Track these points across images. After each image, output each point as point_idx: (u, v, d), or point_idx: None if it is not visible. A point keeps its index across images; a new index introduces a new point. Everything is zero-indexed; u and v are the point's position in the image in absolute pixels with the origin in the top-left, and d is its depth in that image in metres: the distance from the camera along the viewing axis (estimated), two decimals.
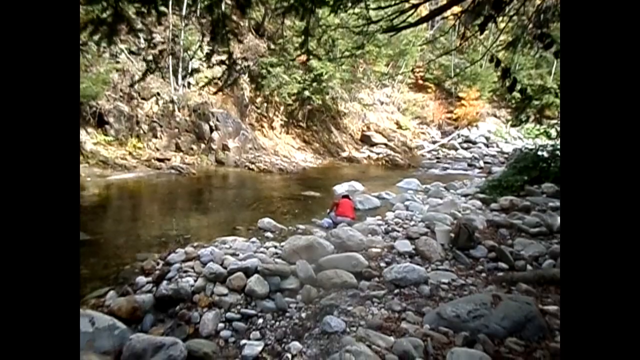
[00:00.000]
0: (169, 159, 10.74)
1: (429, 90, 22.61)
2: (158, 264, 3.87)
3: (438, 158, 16.64)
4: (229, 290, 3.21)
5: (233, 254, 3.84)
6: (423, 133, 20.46)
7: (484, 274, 3.68)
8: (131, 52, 11.58)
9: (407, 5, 3.14)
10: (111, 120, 10.64)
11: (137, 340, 2.45)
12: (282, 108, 14.85)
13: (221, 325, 2.87)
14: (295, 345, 2.48)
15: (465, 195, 7.61)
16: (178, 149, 11.45)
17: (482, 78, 20.96)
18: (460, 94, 21.35)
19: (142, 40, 10.69)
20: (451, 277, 3.49)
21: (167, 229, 5.60)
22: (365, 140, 17.16)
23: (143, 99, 11.39)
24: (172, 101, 11.66)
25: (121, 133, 10.78)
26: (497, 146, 18.68)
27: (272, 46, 14.21)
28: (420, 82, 22.48)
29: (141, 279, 3.52)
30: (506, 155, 15.58)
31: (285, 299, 3.16)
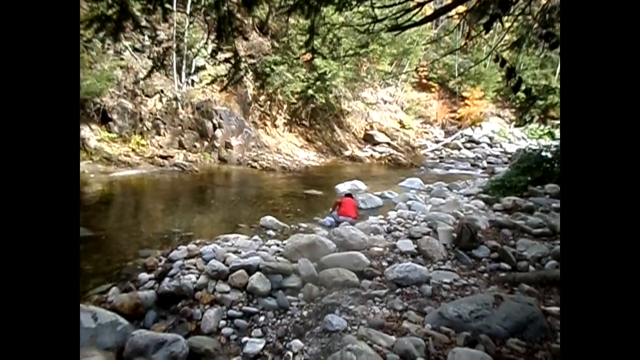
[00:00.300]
0: (172, 156, 10.78)
1: (433, 89, 22.55)
2: (160, 260, 3.88)
3: (441, 158, 16.60)
4: (231, 287, 3.22)
5: (235, 252, 3.85)
6: (426, 132, 20.42)
7: (486, 274, 3.67)
8: (135, 50, 11.61)
9: (412, 4, 3.13)
10: (115, 117, 10.68)
11: (140, 337, 2.47)
12: (285, 106, 14.85)
13: (223, 322, 2.88)
14: (297, 343, 2.48)
15: (468, 195, 7.58)
16: (181, 146, 11.48)
17: (486, 78, 20.88)
18: (464, 94, 21.28)
19: (146, 38, 10.74)
20: (453, 277, 3.48)
21: (170, 226, 5.62)
22: (368, 139, 17.15)
23: (147, 96, 11.43)
24: (175, 99, 11.69)
25: (125, 130, 10.82)
26: (501, 146, 18.62)
27: (276, 44, 14.20)
28: (424, 81, 22.43)
29: (144, 276, 3.54)
30: (509, 156, 15.54)
31: (287, 297, 3.17)
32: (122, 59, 11.18)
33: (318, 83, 13.90)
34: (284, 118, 15.09)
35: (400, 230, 4.91)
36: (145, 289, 3.28)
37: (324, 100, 14.71)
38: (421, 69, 21.12)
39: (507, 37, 8.81)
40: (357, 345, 2.20)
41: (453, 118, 21.46)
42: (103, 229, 5.31)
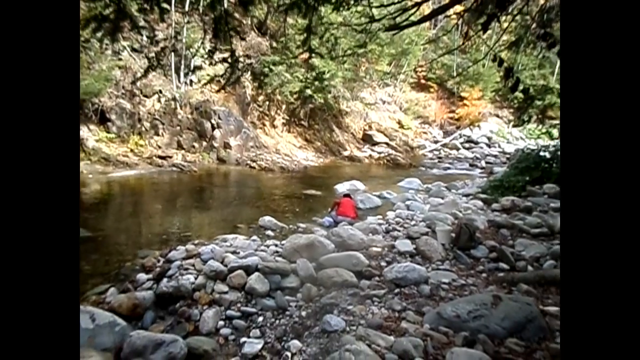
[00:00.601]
0: (170, 157, 10.76)
1: (431, 89, 22.57)
2: (159, 261, 3.87)
3: (440, 158, 16.62)
4: (229, 288, 3.22)
5: (234, 252, 3.85)
6: (425, 132, 20.44)
7: (484, 274, 3.67)
8: (134, 50, 11.59)
9: (409, 3, 3.13)
10: (113, 117, 10.66)
11: (138, 337, 2.46)
12: (284, 106, 14.85)
13: (221, 323, 2.87)
14: (295, 343, 2.48)
15: (467, 195, 7.59)
16: (180, 146, 11.46)
17: (485, 78, 20.91)
18: (463, 94, 21.30)
19: (144, 38, 10.71)
20: (452, 277, 3.48)
21: (168, 226, 5.61)
22: (367, 139, 17.15)
23: (145, 96, 11.40)
24: (174, 99, 11.67)
25: (123, 130, 10.79)
26: (499, 146, 18.66)
27: (275, 44, 14.20)
28: (423, 81, 22.44)
29: (142, 276, 3.53)
30: (508, 156, 15.56)
31: (286, 297, 3.17)
32: (120, 59, 11.15)
33: (316, 83, 13.89)
34: (283, 118, 15.08)
35: (399, 230, 4.91)
36: (144, 290, 3.27)
37: (322, 101, 14.71)
38: (420, 69, 21.14)
39: (505, 37, 8.84)
40: (356, 345, 2.20)
41: (451, 118, 21.49)
42: (101, 229, 5.29)
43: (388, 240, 4.54)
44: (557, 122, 9.73)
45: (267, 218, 5.64)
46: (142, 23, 2.89)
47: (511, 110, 22.10)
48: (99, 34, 2.71)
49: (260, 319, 2.92)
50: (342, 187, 8.86)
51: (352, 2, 3.24)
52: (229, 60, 3.22)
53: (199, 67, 9.07)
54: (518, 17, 4.96)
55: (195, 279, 3.33)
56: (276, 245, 4.23)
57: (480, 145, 18.60)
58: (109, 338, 2.59)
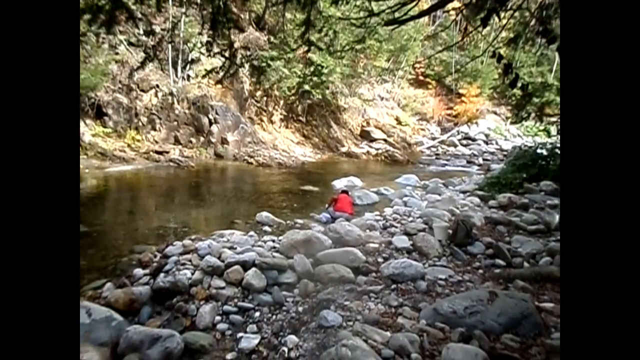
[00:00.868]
0: (167, 152, 10.71)
1: (430, 86, 22.54)
2: (155, 256, 3.86)
3: (437, 154, 16.64)
4: (226, 283, 3.21)
5: (231, 248, 3.84)
6: (423, 129, 20.43)
7: (481, 271, 3.69)
8: (130, 44, 11.49)
9: None
10: (110, 112, 10.59)
11: (134, 332, 2.46)
12: (281, 102, 14.79)
13: (218, 318, 2.87)
14: (292, 338, 2.48)
15: (464, 192, 7.61)
16: (177, 141, 11.41)
17: (483, 75, 20.90)
18: (461, 91, 21.29)
19: (141, 32, 10.61)
20: (448, 273, 3.49)
21: (165, 221, 5.59)
22: (365, 135, 17.14)
23: (142, 90, 11.33)
24: (171, 93, 11.60)
25: (120, 125, 10.73)
26: (497, 143, 18.69)
27: (273, 39, 14.11)
28: (421, 78, 22.40)
29: (138, 271, 3.52)
30: (505, 153, 15.61)
31: (283, 292, 3.17)
32: (117, 54, 11.06)
33: (314, 79, 13.84)
34: (281, 114, 15.03)
35: (396, 227, 4.92)
36: (140, 285, 3.27)
37: (320, 96, 14.67)
38: (418, 65, 21.06)
39: (503, 34, 8.82)
40: (352, 340, 2.21)
41: (449, 115, 21.49)
42: (98, 224, 5.27)
43: (385, 236, 4.54)
44: (555, 119, 9.75)
45: (265, 214, 5.64)
46: (138, 15, 2.85)
47: (509, 107, 22.01)
48: (95, 26, 2.67)
49: (257, 314, 2.92)
50: (339, 183, 8.86)
51: None
52: (227, 54, 3.19)
53: (197, 60, 8.99)
54: (517, 14, 4.94)
55: (192, 274, 3.32)
56: (273, 241, 4.23)
57: (477, 142, 18.64)
58: (105, 333, 2.59)
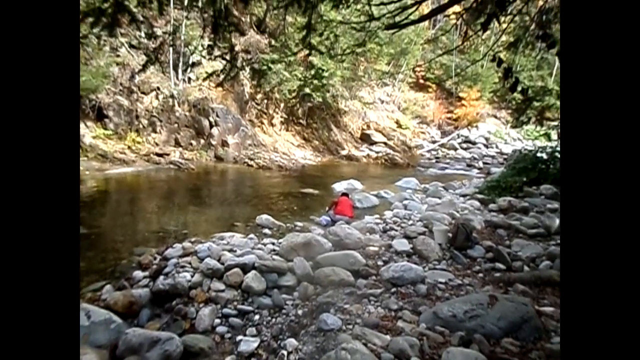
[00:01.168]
0: (168, 154, 10.72)
1: (430, 89, 22.61)
2: (155, 258, 3.86)
3: (437, 158, 16.66)
4: (225, 286, 3.20)
5: (230, 250, 3.83)
6: (423, 132, 20.47)
7: (481, 274, 3.68)
8: (132, 46, 11.53)
9: (409, 2, 3.13)
10: (110, 114, 10.60)
11: (133, 335, 2.45)
12: (282, 105, 14.82)
13: (217, 321, 2.86)
14: (291, 342, 2.47)
15: (464, 196, 7.61)
16: (177, 144, 11.43)
17: (483, 78, 20.97)
18: (461, 94, 21.36)
19: (142, 34, 10.66)
20: (448, 277, 3.48)
21: (165, 223, 5.59)
22: (365, 138, 17.17)
23: (143, 93, 11.35)
24: (172, 96, 11.63)
25: (120, 127, 10.74)
26: (497, 147, 18.73)
27: (274, 42, 14.16)
28: (421, 81, 22.47)
29: (138, 274, 3.51)
30: (505, 156, 15.61)
31: (282, 295, 3.16)
32: (118, 56, 11.09)
33: (315, 82, 13.88)
34: (281, 117, 15.05)
35: (396, 230, 4.92)
36: (140, 287, 3.26)
37: (321, 99, 14.70)
38: (418, 69, 21.16)
39: (504, 38, 8.85)
40: (352, 344, 2.20)
41: (450, 118, 21.54)
42: (98, 226, 5.27)
43: (385, 239, 4.54)
44: (555, 123, 9.77)
45: (265, 216, 5.64)
46: (140, 18, 2.86)
47: (509, 111, 22.13)
48: (97, 29, 2.68)
49: (257, 317, 2.91)
50: (339, 186, 8.86)
51: (351, 0, 3.23)
52: (228, 56, 3.20)
53: (198, 63, 9.03)
54: (517, 18, 4.96)
55: (192, 276, 3.32)
56: (273, 244, 4.22)
57: (478, 146, 18.67)
58: (104, 335, 2.58)
